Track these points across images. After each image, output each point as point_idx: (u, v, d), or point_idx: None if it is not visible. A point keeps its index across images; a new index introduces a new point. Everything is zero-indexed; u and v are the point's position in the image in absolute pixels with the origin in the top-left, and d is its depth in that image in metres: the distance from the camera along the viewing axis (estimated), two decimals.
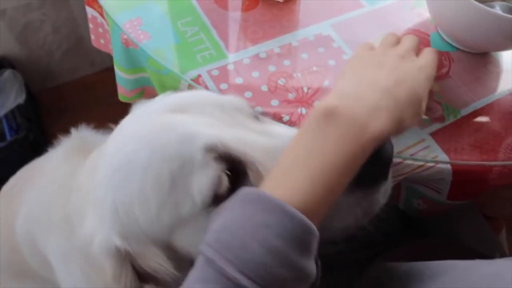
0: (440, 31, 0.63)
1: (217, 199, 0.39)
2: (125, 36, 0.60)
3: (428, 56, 0.49)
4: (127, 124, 0.45)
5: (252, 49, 0.59)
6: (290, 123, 0.52)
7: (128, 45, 0.61)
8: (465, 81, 0.59)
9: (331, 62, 0.58)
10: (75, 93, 1.57)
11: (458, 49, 0.62)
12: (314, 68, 0.57)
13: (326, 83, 0.56)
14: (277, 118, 0.53)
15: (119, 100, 0.73)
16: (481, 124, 0.55)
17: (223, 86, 0.55)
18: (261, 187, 0.39)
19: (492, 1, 0.60)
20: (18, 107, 1.30)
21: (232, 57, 0.58)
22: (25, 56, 1.41)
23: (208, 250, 0.35)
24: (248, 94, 0.54)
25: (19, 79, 1.33)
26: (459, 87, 0.58)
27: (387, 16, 0.65)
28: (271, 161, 0.40)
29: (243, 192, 0.38)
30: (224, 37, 0.60)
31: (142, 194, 0.40)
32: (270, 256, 0.34)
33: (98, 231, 0.43)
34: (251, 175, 0.40)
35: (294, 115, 0.53)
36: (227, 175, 0.39)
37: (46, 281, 0.78)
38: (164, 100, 0.45)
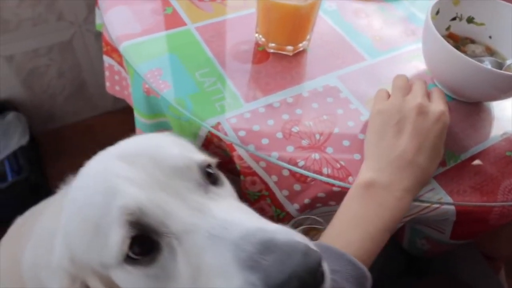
0: (436, 82, 0.69)
1: (131, 260, 0.40)
2: (147, 86, 0.65)
3: (440, 101, 0.57)
4: (89, 164, 0.48)
5: (266, 99, 0.63)
6: (305, 168, 0.56)
7: (149, 94, 0.65)
8: (462, 128, 0.64)
9: (340, 111, 0.63)
10: (75, 136, 1.59)
11: (453, 99, 0.67)
12: (325, 117, 0.62)
13: (336, 130, 0.61)
14: (293, 163, 0.56)
15: None
16: (480, 168, 0.60)
17: (241, 133, 0.59)
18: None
19: (482, 56, 0.67)
20: (21, 149, 1.31)
21: (247, 106, 0.62)
22: (29, 99, 1.44)
23: None
24: (265, 140, 0.58)
25: (23, 121, 1.36)
26: (457, 134, 0.63)
27: (387, 69, 0.71)
28: (187, 240, 0.39)
29: (315, 243, 0.46)
30: (240, 87, 0.65)
31: (76, 231, 0.44)
32: None
33: (57, 255, 0.47)
34: (164, 246, 0.40)
35: (309, 160, 0.57)
36: (140, 240, 0.40)
37: None
38: (120, 145, 0.48)
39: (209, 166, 0.47)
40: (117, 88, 0.82)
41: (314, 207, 0.59)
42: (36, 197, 1.05)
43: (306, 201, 0.58)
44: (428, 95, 0.59)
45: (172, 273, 0.40)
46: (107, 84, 0.84)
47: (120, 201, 0.40)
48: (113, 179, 0.41)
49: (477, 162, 0.60)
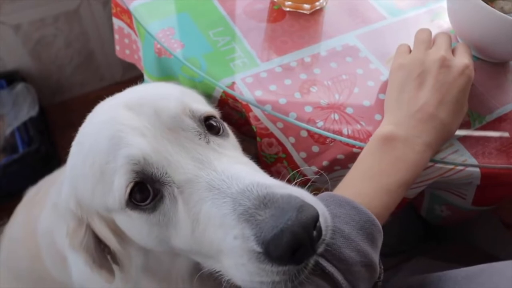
0: (460, 41, 0.65)
1: (134, 206, 0.42)
2: (159, 46, 0.62)
3: (465, 55, 0.54)
4: (94, 112, 0.49)
5: (282, 58, 0.61)
6: (325, 128, 0.54)
7: (161, 54, 0.62)
8: (487, 89, 0.61)
9: (359, 71, 0.60)
10: (84, 107, 1.55)
11: (478, 58, 0.64)
12: (344, 77, 0.59)
13: (356, 90, 0.58)
14: (311, 123, 0.54)
15: None
16: (506, 129, 0.57)
17: (258, 93, 0.56)
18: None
19: (511, 13, 0.63)
20: (31, 120, 1.30)
21: (264, 65, 0.60)
22: (37, 70, 1.42)
23: None
24: (282, 100, 0.56)
25: (32, 92, 1.34)
26: (482, 94, 0.60)
27: (408, 28, 0.67)
28: (188, 189, 0.41)
29: (318, 195, 0.44)
30: (255, 46, 0.62)
31: (82, 175, 0.45)
32: (339, 238, 0.39)
33: (64, 198, 0.49)
34: (166, 195, 0.42)
35: (328, 120, 0.54)
36: (142, 187, 0.41)
37: None
38: (127, 92, 0.49)
39: (211, 117, 0.47)
40: (127, 52, 0.80)
41: (333, 170, 0.57)
42: (47, 168, 1.05)
43: (325, 163, 0.56)
44: (453, 51, 0.56)
45: (172, 221, 0.42)
46: (117, 47, 0.81)
47: (125, 151, 0.41)
48: (118, 127, 0.42)
49: (503, 124, 0.58)
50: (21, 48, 1.34)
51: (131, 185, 0.41)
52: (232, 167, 0.41)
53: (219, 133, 0.47)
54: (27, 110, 1.31)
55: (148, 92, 0.47)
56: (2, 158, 1.26)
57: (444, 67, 0.51)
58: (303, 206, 0.35)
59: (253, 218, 0.36)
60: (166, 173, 0.41)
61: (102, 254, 0.50)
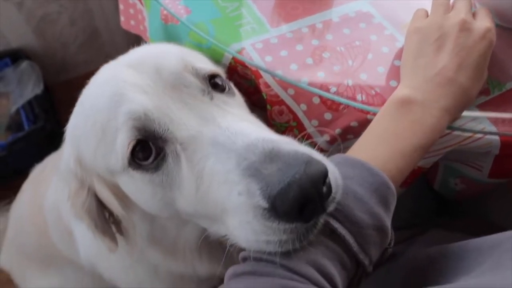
0: (479, 6, 0.63)
1: (137, 165, 0.41)
2: (165, 12, 0.60)
3: (486, 18, 0.51)
4: (97, 73, 0.49)
5: (294, 24, 0.59)
6: (338, 94, 0.52)
7: (167, 21, 0.60)
8: (508, 56, 0.58)
9: (373, 37, 0.58)
10: None
11: (498, 25, 0.61)
12: (357, 43, 0.57)
13: (369, 56, 0.56)
14: (324, 89, 0.52)
15: None
16: None
17: (268, 58, 0.54)
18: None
19: None
20: (36, 98, 1.29)
21: (274, 31, 0.58)
22: (41, 48, 1.40)
23: None
24: (293, 66, 0.54)
25: (36, 70, 1.33)
26: (502, 61, 0.58)
27: None
28: (192, 146, 0.39)
29: (330, 157, 0.42)
30: (265, 12, 0.60)
31: (84, 135, 0.45)
32: (351, 200, 0.37)
33: (66, 158, 0.49)
34: (169, 153, 0.41)
35: (341, 86, 0.53)
36: (145, 145, 0.41)
37: (71, 265, 0.79)
38: (129, 53, 0.48)
39: (216, 76, 0.46)
40: (132, 22, 0.78)
41: (346, 138, 0.56)
42: (52, 145, 1.04)
43: (337, 131, 0.54)
44: (473, 15, 0.53)
45: (176, 181, 0.41)
46: (122, 18, 0.79)
47: (126, 107, 0.40)
48: (119, 84, 0.42)
49: None
50: (25, 26, 1.32)
51: (133, 142, 0.40)
52: (237, 124, 0.40)
53: (225, 92, 0.45)
54: (32, 88, 1.30)
55: (149, 51, 0.46)
56: (7, 136, 1.26)
57: (464, 30, 0.49)
58: (311, 161, 0.34)
59: (258, 173, 0.34)
60: (168, 129, 0.40)
61: (106, 221, 0.49)
